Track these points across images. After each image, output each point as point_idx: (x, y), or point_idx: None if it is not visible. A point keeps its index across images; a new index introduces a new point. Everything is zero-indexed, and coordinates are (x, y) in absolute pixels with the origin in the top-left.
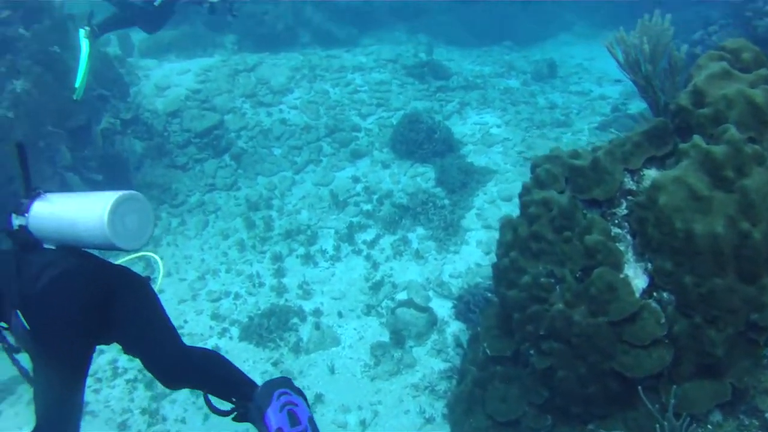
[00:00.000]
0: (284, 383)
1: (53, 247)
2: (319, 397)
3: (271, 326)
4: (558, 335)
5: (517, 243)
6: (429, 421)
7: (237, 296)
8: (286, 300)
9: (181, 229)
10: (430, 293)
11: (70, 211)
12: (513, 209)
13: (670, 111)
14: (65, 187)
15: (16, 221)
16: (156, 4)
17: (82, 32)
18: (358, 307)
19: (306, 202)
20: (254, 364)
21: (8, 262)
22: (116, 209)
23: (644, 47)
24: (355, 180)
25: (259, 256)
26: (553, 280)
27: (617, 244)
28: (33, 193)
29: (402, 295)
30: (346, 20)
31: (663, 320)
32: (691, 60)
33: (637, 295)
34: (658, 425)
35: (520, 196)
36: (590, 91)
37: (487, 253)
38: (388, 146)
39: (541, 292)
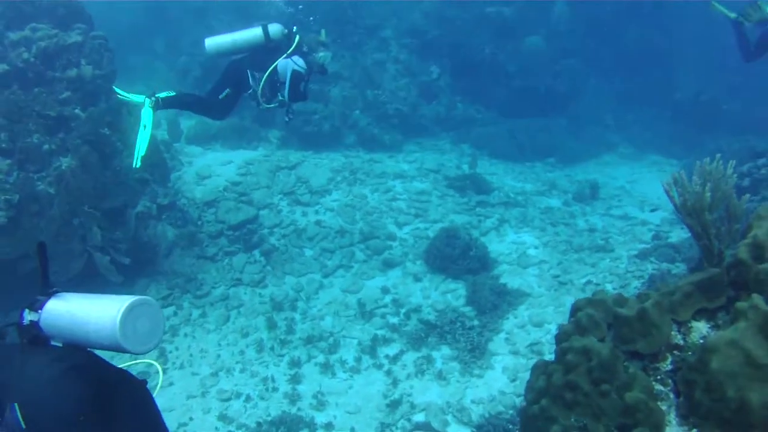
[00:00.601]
0: None
1: (60, 344)
2: None
3: None
4: None
5: (550, 391)
6: None
7: (248, 399)
8: (299, 409)
9: (201, 321)
10: (449, 417)
11: (83, 311)
12: (543, 335)
13: (727, 262)
14: (92, 265)
15: (29, 317)
16: (220, 97)
17: (147, 101)
18: (373, 424)
19: (332, 308)
20: None
21: (13, 355)
22: (130, 312)
23: (706, 195)
24: (385, 291)
25: (277, 359)
26: None
27: (659, 402)
28: (49, 291)
29: (420, 417)
30: (392, 125)
31: None
32: (740, 191)
33: None
34: None
35: (558, 340)
36: (631, 216)
37: (513, 381)
38: (422, 259)
39: None
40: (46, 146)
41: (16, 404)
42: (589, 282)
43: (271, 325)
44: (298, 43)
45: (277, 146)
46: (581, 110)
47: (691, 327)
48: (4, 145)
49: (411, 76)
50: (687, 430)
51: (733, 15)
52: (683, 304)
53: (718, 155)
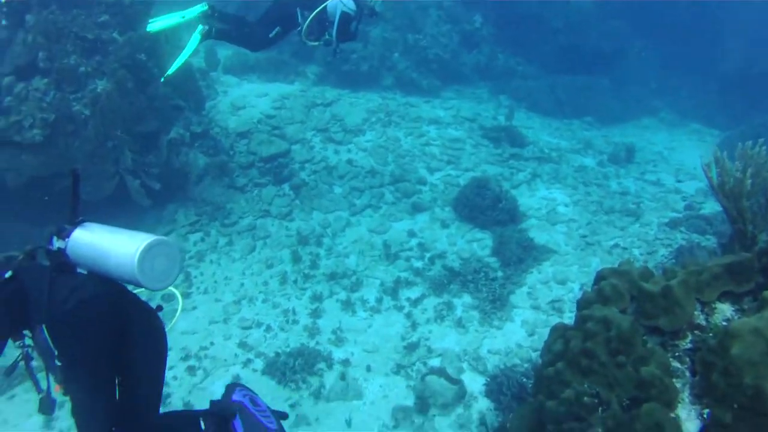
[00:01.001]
0: (241, 385)
1: (84, 272)
2: None
3: (296, 367)
4: None
5: (567, 356)
6: None
7: (269, 329)
8: (317, 343)
9: (227, 250)
10: (465, 365)
11: (106, 245)
12: (566, 293)
13: (759, 248)
14: (124, 188)
15: (57, 243)
16: (270, 36)
17: (200, 27)
18: (389, 364)
19: (357, 247)
20: (272, 401)
21: (42, 278)
22: (148, 251)
23: (746, 182)
24: (411, 234)
25: (299, 292)
26: (596, 401)
27: (674, 380)
28: (77, 221)
29: (435, 362)
30: (431, 70)
31: None
32: None
33: None
34: None
35: (579, 306)
36: (665, 183)
37: (531, 335)
38: (451, 206)
39: (581, 410)
40: (82, 68)
41: (44, 326)
42: (616, 245)
43: (296, 259)
44: None
45: (313, 82)
46: (625, 72)
47: (715, 308)
48: (42, 65)
49: (453, 23)
50: (699, 410)
51: None
52: (710, 285)
53: (761, 140)
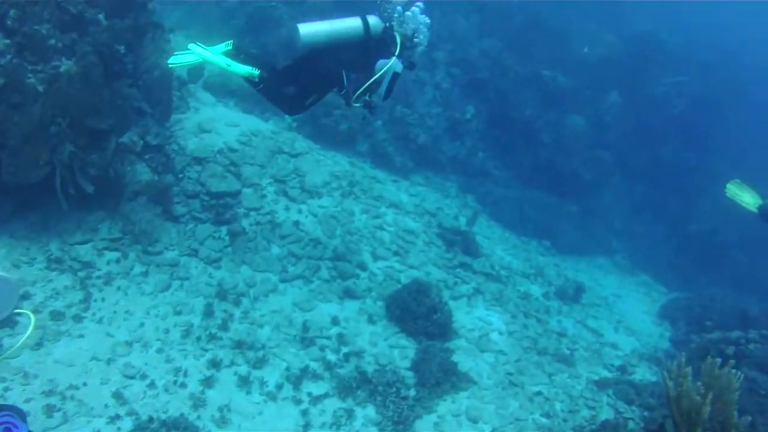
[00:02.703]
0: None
1: None
2: None
3: None
4: None
5: None
6: None
7: (152, 386)
8: (199, 417)
9: (140, 280)
10: None
11: None
12: None
13: None
14: (51, 181)
15: None
16: (306, 104)
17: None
18: None
19: (274, 319)
20: None
21: None
22: None
23: (705, 409)
24: (335, 321)
25: (199, 352)
26: None
27: None
28: None
29: None
30: (408, 149)
31: None
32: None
33: None
34: None
35: None
36: (604, 334)
37: None
38: (384, 301)
39: None
40: (52, 41)
41: None
42: (539, 393)
43: (208, 313)
44: (401, 43)
45: (288, 126)
46: (596, 204)
47: None
48: (9, 23)
49: (445, 107)
50: None
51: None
52: None
53: (732, 361)
